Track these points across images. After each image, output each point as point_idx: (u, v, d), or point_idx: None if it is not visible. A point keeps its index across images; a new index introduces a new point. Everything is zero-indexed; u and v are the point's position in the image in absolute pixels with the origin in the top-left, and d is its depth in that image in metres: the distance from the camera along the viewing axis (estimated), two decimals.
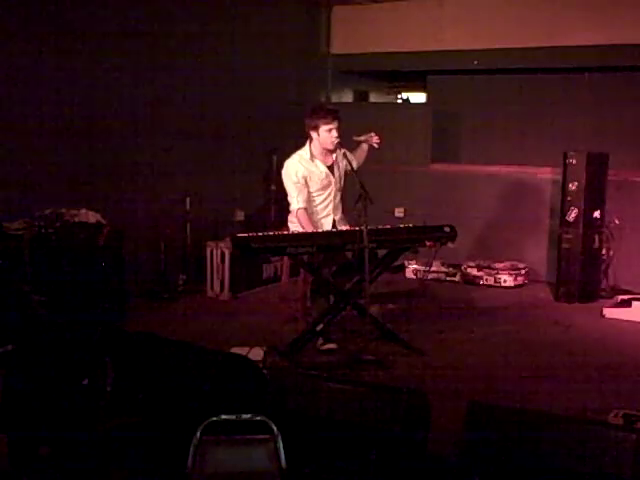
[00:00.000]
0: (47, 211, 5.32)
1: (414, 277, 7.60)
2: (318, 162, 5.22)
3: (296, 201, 5.16)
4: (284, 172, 5.23)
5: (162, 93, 6.68)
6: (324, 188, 5.26)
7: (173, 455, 3.03)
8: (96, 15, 6.09)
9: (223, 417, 2.94)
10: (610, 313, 6.27)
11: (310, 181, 5.19)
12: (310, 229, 5.11)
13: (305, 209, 5.16)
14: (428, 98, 9.15)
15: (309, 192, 5.20)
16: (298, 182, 5.15)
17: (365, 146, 5.45)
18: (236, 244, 4.93)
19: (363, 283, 4.87)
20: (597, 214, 6.77)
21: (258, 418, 2.94)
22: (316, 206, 5.28)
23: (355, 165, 5.27)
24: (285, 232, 5.17)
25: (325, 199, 5.29)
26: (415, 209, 7.85)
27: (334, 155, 5.25)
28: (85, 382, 3.65)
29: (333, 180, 5.27)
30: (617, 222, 6.84)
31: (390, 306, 6.18)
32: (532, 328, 5.99)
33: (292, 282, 6.05)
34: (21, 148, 5.57)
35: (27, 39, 5.58)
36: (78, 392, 3.61)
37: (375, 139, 5.35)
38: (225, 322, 5.99)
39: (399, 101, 10.72)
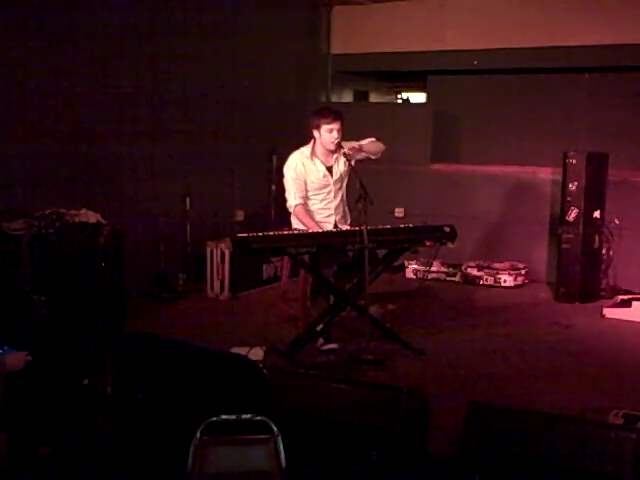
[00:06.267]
0: (47, 211, 5.32)
1: (414, 277, 7.60)
2: (317, 161, 5.22)
3: (293, 197, 5.17)
4: (285, 166, 5.26)
5: (162, 93, 6.69)
6: (321, 188, 5.25)
7: (173, 455, 3.03)
8: (96, 15, 6.08)
9: (223, 417, 2.94)
10: (610, 313, 6.27)
11: (307, 179, 5.20)
12: (310, 224, 5.12)
13: (302, 205, 5.17)
14: (428, 98, 9.14)
15: (307, 190, 5.21)
16: (297, 178, 5.16)
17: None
18: (236, 244, 4.93)
19: (363, 283, 4.87)
20: (597, 214, 6.77)
21: (258, 418, 2.94)
22: (317, 206, 5.28)
23: (363, 155, 5.23)
24: (285, 232, 5.17)
25: (324, 199, 5.28)
26: (415, 209, 7.85)
27: (334, 156, 5.25)
28: (85, 382, 3.65)
29: (331, 180, 5.27)
30: (617, 222, 6.84)
31: (390, 306, 6.18)
32: (532, 328, 5.99)
33: (292, 282, 6.05)
34: (21, 148, 5.57)
35: (27, 40, 5.57)
36: (78, 392, 3.61)
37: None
38: (225, 322, 6.00)
39: (399, 101, 10.73)
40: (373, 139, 5.27)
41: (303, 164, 5.19)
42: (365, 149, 5.20)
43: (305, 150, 5.24)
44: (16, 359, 3.29)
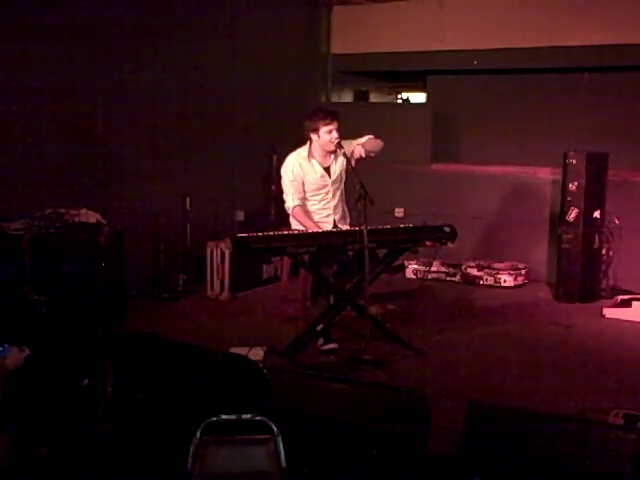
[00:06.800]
0: (47, 211, 5.32)
1: (414, 277, 7.60)
2: (315, 162, 5.21)
3: (291, 199, 5.17)
4: (282, 168, 5.25)
5: (162, 93, 6.68)
6: (320, 188, 5.24)
7: (173, 455, 3.03)
8: (96, 15, 6.09)
9: (223, 417, 2.94)
10: (610, 313, 6.27)
11: (305, 181, 5.19)
12: (309, 225, 5.12)
13: (301, 206, 5.17)
14: (428, 98, 9.14)
15: (305, 191, 5.20)
16: (294, 180, 5.16)
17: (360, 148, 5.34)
18: (236, 244, 4.93)
19: (363, 283, 4.87)
20: (597, 214, 6.76)
21: (258, 418, 2.94)
22: (315, 206, 5.27)
23: (357, 155, 5.21)
24: (285, 232, 5.17)
25: (323, 199, 5.28)
26: (415, 209, 7.84)
27: (332, 156, 5.24)
28: (85, 382, 3.65)
29: (329, 181, 5.26)
30: (617, 222, 6.84)
31: (390, 306, 6.18)
32: (532, 328, 5.99)
33: (292, 282, 6.05)
34: (21, 148, 5.58)
35: (27, 39, 5.57)
36: (78, 392, 3.60)
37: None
38: (225, 322, 6.00)
39: (399, 101, 10.72)
40: (371, 136, 5.26)
41: (300, 165, 5.18)
42: (366, 147, 5.19)
43: (302, 151, 5.22)
44: (14, 356, 3.29)
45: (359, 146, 5.18)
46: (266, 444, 2.89)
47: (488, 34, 7.91)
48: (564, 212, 6.78)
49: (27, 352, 3.30)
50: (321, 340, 5.23)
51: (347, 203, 5.43)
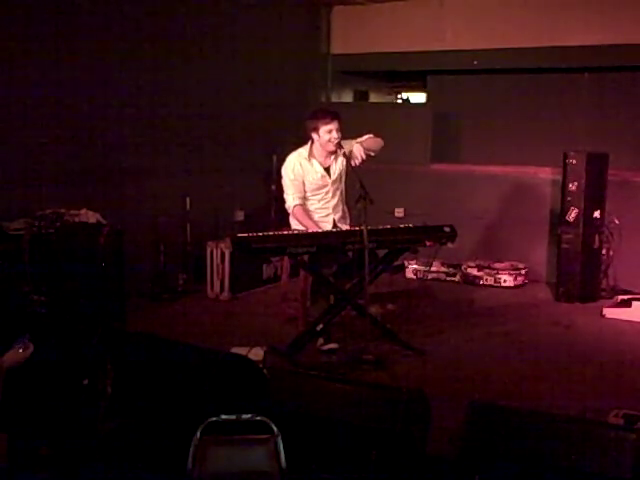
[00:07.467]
0: (47, 211, 5.32)
1: (414, 277, 7.60)
2: (315, 162, 5.21)
3: (291, 198, 5.17)
4: (283, 168, 5.26)
5: (162, 93, 6.68)
6: (319, 188, 5.24)
7: (173, 455, 3.03)
8: (97, 15, 6.09)
9: (223, 417, 2.94)
10: (610, 313, 6.27)
11: (305, 180, 5.19)
12: (309, 225, 5.12)
13: (301, 205, 5.17)
14: (428, 98, 9.15)
15: (305, 191, 5.20)
16: (295, 179, 5.16)
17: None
18: (236, 244, 4.93)
19: (363, 283, 4.87)
20: (597, 214, 6.76)
21: (258, 418, 2.94)
22: (315, 205, 5.27)
23: (358, 157, 5.20)
24: (285, 232, 5.17)
25: (322, 199, 5.28)
26: (415, 209, 7.84)
27: (332, 156, 5.24)
28: (85, 382, 3.65)
29: (329, 181, 5.26)
30: (617, 222, 6.84)
31: (390, 306, 6.18)
32: (532, 328, 5.99)
33: (292, 282, 6.05)
34: (21, 148, 5.58)
35: (27, 39, 5.58)
36: (78, 392, 3.60)
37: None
38: (225, 322, 6.00)
39: (399, 101, 10.73)
40: (371, 135, 5.26)
41: (301, 165, 5.18)
42: (365, 146, 5.19)
43: (303, 151, 5.23)
44: (13, 354, 3.28)
45: (358, 144, 5.17)
46: (266, 444, 2.89)
47: (488, 34, 7.92)
48: (564, 212, 6.78)
49: (31, 349, 3.29)
50: (321, 340, 5.24)
51: (347, 203, 5.43)
